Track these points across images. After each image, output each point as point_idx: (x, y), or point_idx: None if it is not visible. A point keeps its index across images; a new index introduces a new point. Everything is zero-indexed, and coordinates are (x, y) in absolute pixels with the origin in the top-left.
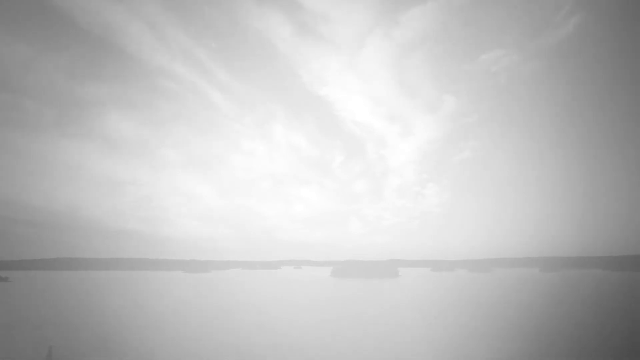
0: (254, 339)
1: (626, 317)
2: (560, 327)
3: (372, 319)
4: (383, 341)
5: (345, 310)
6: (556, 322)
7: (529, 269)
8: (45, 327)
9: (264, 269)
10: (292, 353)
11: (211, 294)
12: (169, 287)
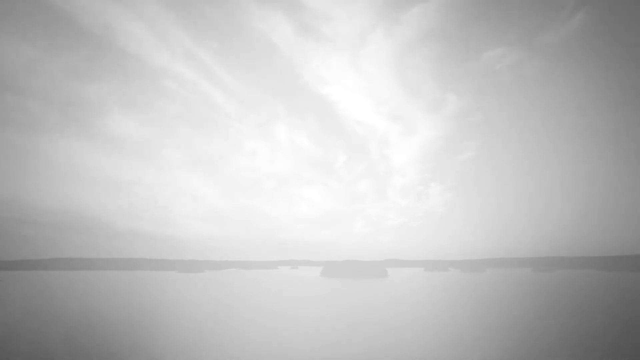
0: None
1: (620, 317)
2: (552, 327)
3: (340, 317)
4: (345, 340)
5: (308, 309)
6: (548, 322)
7: (522, 269)
8: (5, 327)
9: (261, 269)
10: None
11: (182, 293)
12: (149, 287)
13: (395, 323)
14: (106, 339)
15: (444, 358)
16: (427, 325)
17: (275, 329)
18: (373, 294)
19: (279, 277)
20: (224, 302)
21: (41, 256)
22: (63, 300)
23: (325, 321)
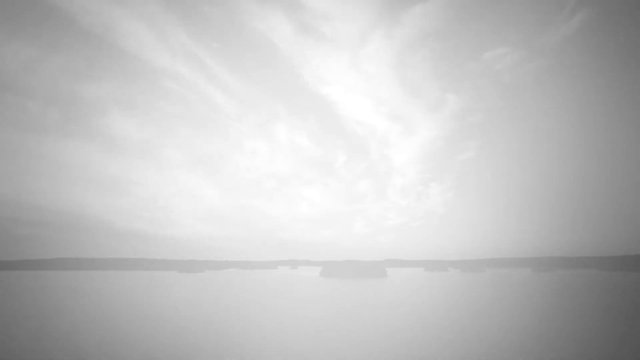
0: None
1: (620, 317)
2: (552, 327)
3: (328, 316)
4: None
5: (294, 310)
6: (548, 322)
7: (522, 269)
8: None
9: (261, 269)
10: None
11: (182, 293)
12: (149, 287)
13: (395, 323)
14: (106, 339)
15: (444, 358)
16: (427, 326)
17: (275, 329)
18: (373, 294)
19: (279, 277)
20: (224, 302)
21: (41, 256)
22: (63, 300)
23: (325, 321)
